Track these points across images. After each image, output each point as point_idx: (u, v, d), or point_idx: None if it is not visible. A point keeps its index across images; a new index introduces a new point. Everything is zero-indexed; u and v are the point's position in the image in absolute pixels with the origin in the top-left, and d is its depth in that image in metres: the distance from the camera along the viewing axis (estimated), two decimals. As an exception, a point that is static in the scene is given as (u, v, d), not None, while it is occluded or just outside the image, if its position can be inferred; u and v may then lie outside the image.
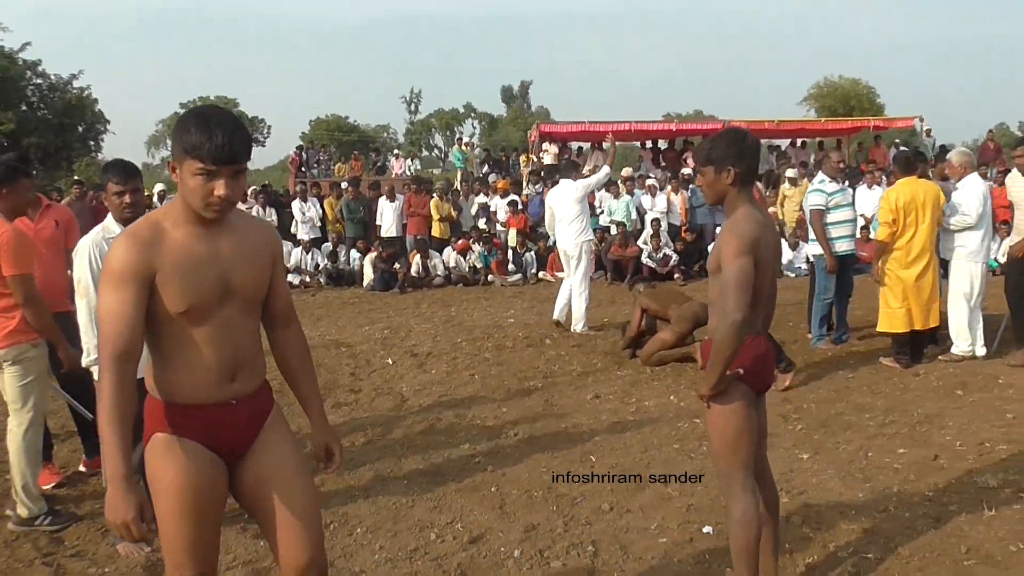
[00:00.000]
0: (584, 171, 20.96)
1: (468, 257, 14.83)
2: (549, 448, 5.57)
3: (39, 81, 40.49)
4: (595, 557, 3.98)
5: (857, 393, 6.54)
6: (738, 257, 3.07)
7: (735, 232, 3.11)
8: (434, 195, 15.87)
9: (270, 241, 2.67)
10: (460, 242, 15.02)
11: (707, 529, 4.18)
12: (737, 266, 3.06)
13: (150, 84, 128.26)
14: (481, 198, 16.92)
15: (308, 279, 15.03)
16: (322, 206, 16.25)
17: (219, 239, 2.47)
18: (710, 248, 14.20)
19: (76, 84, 41.17)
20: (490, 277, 14.58)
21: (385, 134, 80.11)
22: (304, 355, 2.83)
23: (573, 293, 9.50)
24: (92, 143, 44.51)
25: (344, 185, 17.01)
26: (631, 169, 19.00)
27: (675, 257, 14.21)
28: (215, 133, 2.29)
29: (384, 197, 15.61)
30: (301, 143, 25.83)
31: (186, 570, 2.46)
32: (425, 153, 72.34)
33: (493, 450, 5.63)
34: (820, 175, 8.28)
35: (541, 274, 14.85)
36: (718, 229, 14.08)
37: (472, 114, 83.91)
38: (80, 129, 42.61)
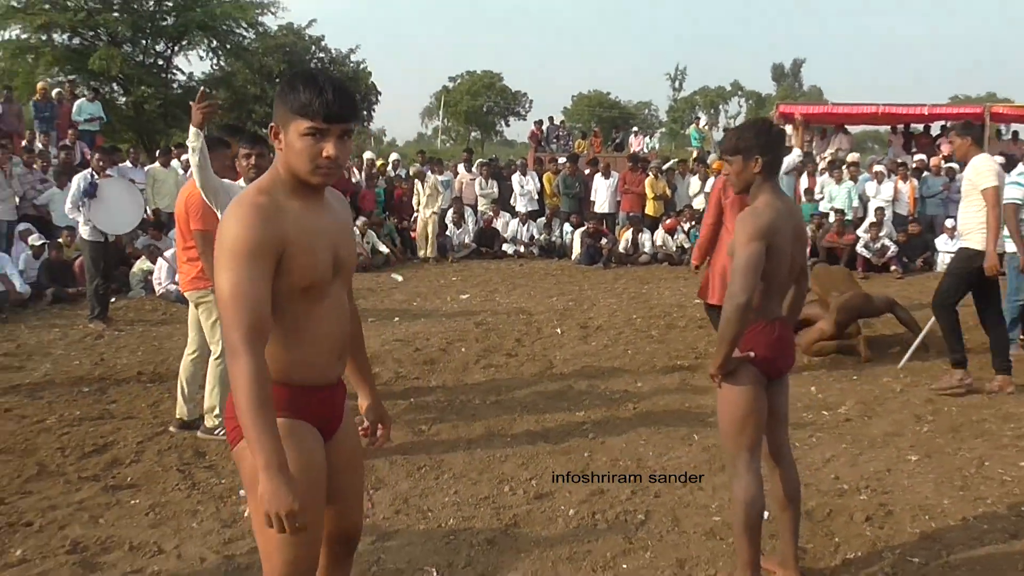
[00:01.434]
0: (826, 154, 20.28)
1: (675, 236, 14.82)
2: (660, 424, 5.68)
3: (322, 55, 44.01)
4: (642, 526, 4.12)
5: (1015, 402, 6.08)
6: (750, 242, 3.12)
7: (751, 218, 3.16)
8: (649, 174, 15.93)
9: (349, 213, 2.61)
10: (669, 221, 15.03)
11: (765, 515, 4.18)
12: (748, 251, 3.11)
13: (420, 59, 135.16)
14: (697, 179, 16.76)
15: (522, 249, 15.64)
16: (541, 180, 16.79)
17: (324, 211, 2.34)
18: (937, 241, 13.41)
19: (353, 58, 44.33)
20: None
21: (647, 111, 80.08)
22: (360, 329, 2.75)
23: None
24: (365, 113, 47.94)
25: (562, 160, 17.44)
26: (857, 154, 17.98)
27: (893, 248, 13.42)
28: (325, 90, 2.16)
29: (600, 174, 15.90)
30: (541, 119, 26.21)
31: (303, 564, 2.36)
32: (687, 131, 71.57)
33: (604, 420, 5.82)
34: (1021, 166, 7.59)
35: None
36: (948, 222, 13.28)
37: (739, 92, 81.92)
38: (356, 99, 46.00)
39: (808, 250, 13.70)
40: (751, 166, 3.23)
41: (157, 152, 15.13)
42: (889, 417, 5.82)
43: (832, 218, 14.06)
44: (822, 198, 15.00)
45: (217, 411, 5.35)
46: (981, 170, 6.22)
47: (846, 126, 21.34)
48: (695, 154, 21.65)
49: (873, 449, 5.18)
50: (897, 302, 7.92)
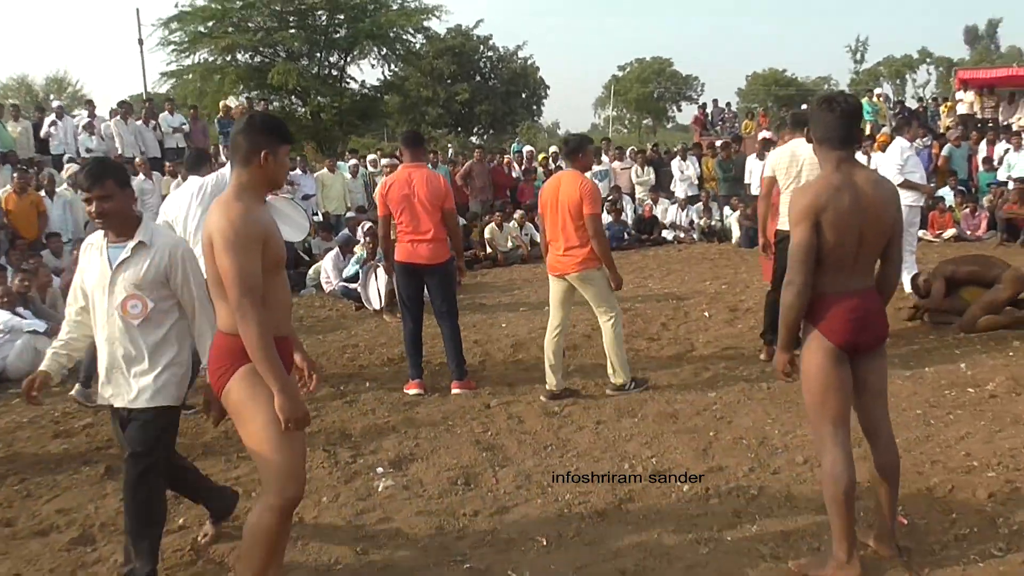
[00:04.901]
0: (1014, 120, 18.97)
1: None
2: (791, 404, 5.66)
3: (490, 54, 45.04)
4: (753, 500, 4.20)
5: None
6: (795, 226, 3.23)
7: (795, 199, 3.27)
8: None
9: None
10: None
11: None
12: (795, 235, 3.23)
13: (589, 50, 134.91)
14: (860, 155, 16.08)
15: (682, 235, 15.57)
16: (700, 165, 16.64)
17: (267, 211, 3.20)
18: None
19: (521, 54, 45.08)
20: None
21: (826, 86, 76.87)
22: None
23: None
24: (535, 108, 48.71)
25: (719, 143, 17.18)
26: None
27: (1082, 217, 12.49)
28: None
29: (754, 155, 15.56)
30: (705, 103, 25.86)
31: (294, 478, 3.10)
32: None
33: (735, 400, 5.86)
34: None
35: (921, 233, 13.88)
36: None
37: (928, 59, 77.17)
38: (524, 96, 46.77)
39: (985, 223, 13.03)
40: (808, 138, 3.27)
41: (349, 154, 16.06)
42: (1042, 394, 5.55)
43: (1012, 187, 13.21)
44: (1000, 166, 14.07)
45: (618, 366, 6.18)
46: None
47: None
48: (868, 129, 20.75)
49: (1015, 426, 4.98)
50: None
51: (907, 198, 9.21)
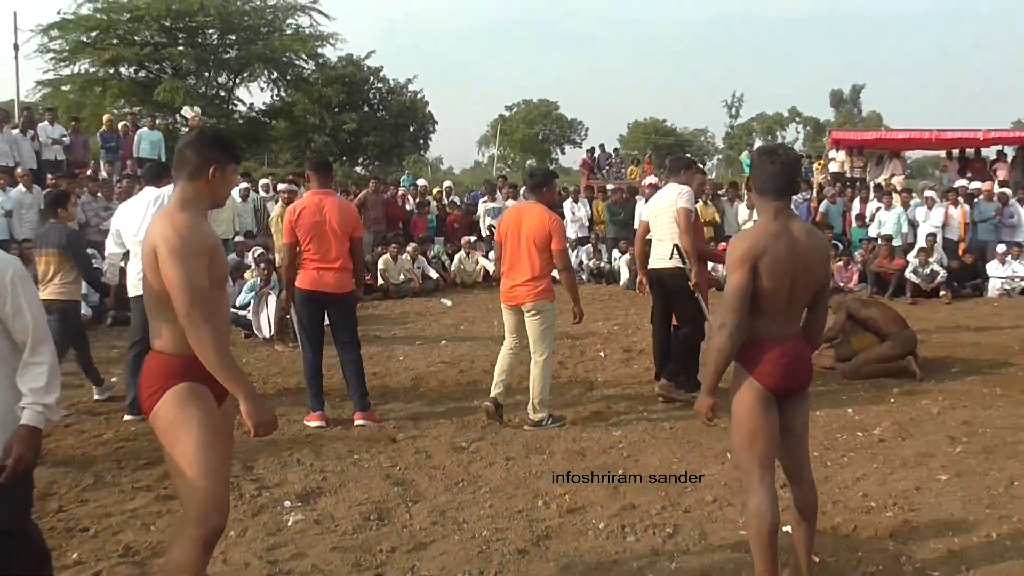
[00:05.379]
0: (880, 180, 20.15)
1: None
2: (696, 444, 5.80)
3: (380, 85, 44.82)
4: (669, 539, 4.26)
5: (1052, 424, 6.09)
6: (733, 271, 3.32)
7: (734, 244, 3.38)
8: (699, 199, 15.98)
9: None
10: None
11: (787, 528, 4.28)
12: (732, 280, 3.32)
13: (478, 89, 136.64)
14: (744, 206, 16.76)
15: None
16: (591, 207, 16.99)
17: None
18: (989, 267, 13.31)
19: (411, 88, 45.05)
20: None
21: (703, 138, 79.83)
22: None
23: None
24: (422, 142, 48.69)
25: (610, 187, 17.61)
26: (901, 179, 17.88)
27: (943, 274, 13.31)
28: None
29: (643, 200, 15.99)
30: (592, 146, 26.50)
31: (219, 507, 2.96)
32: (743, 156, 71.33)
33: (640, 440, 5.96)
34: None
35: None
36: (1000, 247, 13.17)
37: (797, 118, 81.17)
38: (411, 129, 46.72)
39: (856, 276, 13.72)
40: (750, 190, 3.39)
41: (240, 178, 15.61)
42: (923, 438, 5.87)
43: (881, 243, 14.02)
44: (871, 223, 14.92)
45: (538, 403, 6.29)
46: None
47: (902, 152, 21.23)
48: (747, 181, 21.65)
49: (904, 469, 5.24)
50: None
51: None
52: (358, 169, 41.09)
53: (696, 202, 6.96)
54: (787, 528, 4.24)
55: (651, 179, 16.33)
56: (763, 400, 3.37)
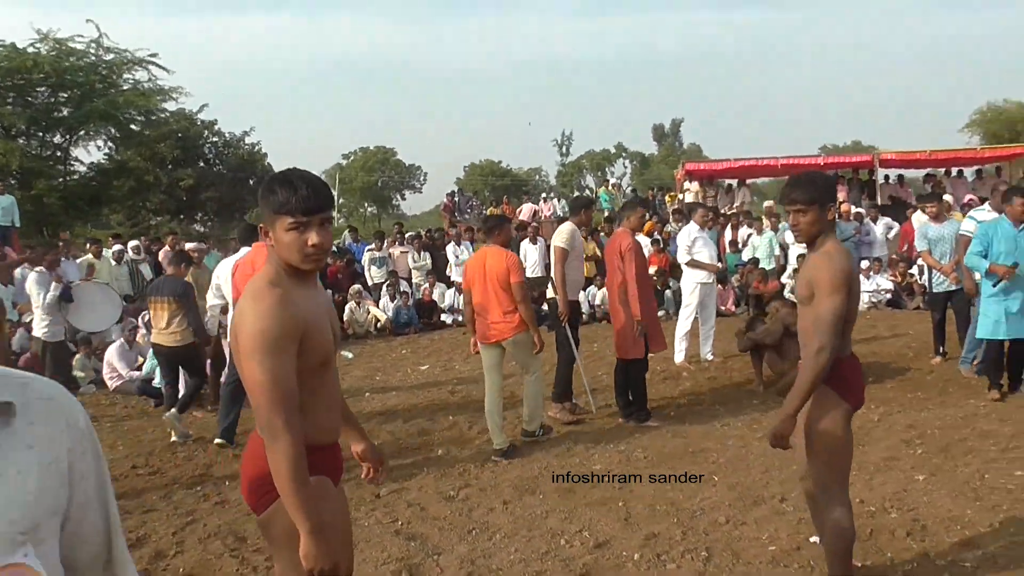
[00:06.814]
0: (734, 207, 21.29)
1: (611, 294, 15.32)
2: (676, 467, 5.98)
3: (215, 139, 43.56)
4: (707, 562, 4.39)
5: (985, 421, 6.64)
6: (834, 293, 3.35)
7: (833, 266, 3.38)
8: (578, 236, 16.43)
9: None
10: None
11: (814, 539, 4.50)
12: (833, 303, 3.34)
13: (313, 136, 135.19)
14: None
15: (460, 318, 15.85)
16: (474, 249, 17.12)
17: (318, 292, 2.68)
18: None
19: (248, 140, 44.01)
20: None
21: (537, 177, 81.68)
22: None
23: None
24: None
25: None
26: (773, 202, 18.99)
27: (818, 292, 14.20)
28: (299, 187, 2.45)
29: (527, 240, 16.28)
30: (452, 189, 26.75)
31: None
32: (576, 194, 73.42)
33: (623, 471, 6.08)
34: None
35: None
36: (864, 263, 14.19)
37: (623, 154, 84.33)
38: (251, 182, 45.57)
39: (732, 298, 14.40)
40: (828, 214, 3.48)
41: (87, 243, 14.80)
42: (880, 444, 6.27)
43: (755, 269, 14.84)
44: (746, 247, 15.77)
45: (531, 416, 7.04)
46: None
47: (747, 180, 22.56)
48: (606, 215, 22.38)
49: (881, 473, 5.59)
50: None
51: (698, 276, 10.14)
52: (196, 226, 39.67)
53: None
54: (813, 539, 4.51)
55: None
56: (849, 418, 3.51)
